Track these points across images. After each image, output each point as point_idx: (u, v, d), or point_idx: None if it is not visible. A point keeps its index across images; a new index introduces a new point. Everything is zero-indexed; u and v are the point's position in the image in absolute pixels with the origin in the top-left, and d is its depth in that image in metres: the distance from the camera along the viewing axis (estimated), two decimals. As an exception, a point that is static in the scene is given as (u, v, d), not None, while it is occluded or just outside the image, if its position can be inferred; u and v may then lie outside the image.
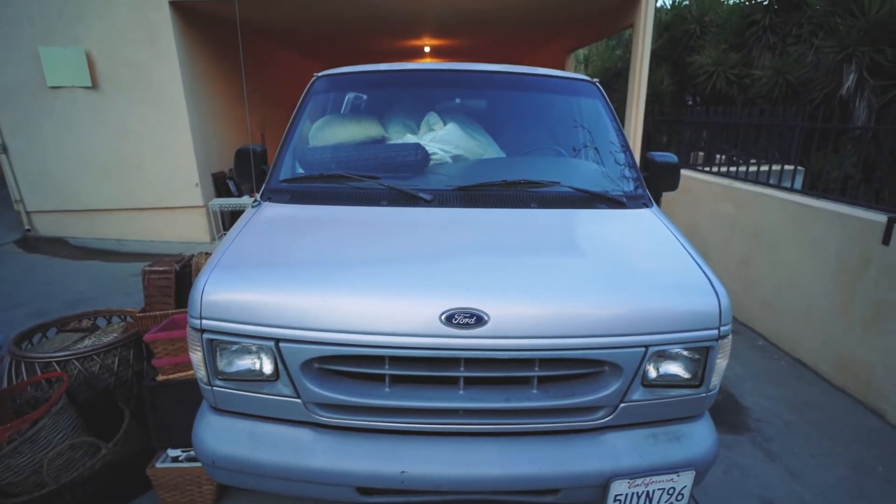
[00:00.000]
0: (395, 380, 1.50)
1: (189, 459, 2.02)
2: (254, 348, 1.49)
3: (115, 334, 2.39)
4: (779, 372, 3.22)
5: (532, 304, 1.43)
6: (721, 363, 1.56)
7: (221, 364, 1.51)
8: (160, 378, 2.02)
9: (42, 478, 1.82)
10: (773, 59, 6.53)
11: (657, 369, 1.53)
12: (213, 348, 1.50)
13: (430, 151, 2.29)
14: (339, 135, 2.44)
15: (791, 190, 3.52)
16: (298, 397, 1.49)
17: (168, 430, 2.04)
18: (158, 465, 2.00)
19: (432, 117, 2.52)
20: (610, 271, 1.58)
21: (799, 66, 6.00)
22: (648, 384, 1.53)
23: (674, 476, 1.50)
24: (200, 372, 1.55)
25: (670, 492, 1.52)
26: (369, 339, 1.41)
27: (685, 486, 1.52)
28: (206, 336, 1.48)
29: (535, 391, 1.49)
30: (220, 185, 6.46)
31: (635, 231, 1.85)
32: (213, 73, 6.49)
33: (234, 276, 1.53)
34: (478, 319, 1.39)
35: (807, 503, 2.17)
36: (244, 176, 2.36)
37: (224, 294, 1.48)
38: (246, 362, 1.51)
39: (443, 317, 1.39)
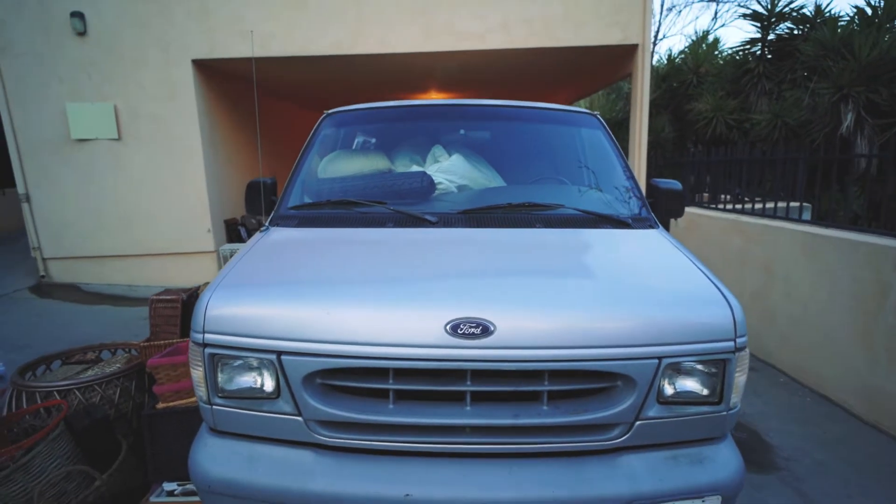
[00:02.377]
0: (400, 396, 1.45)
1: (185, 493, 1.93)
2: (255, 363, 1.45)
3: (118, 365, 2.36)
4: (804, 408, 3.06)
5: (539, 314, 1.40)
6: (740, 379, 1.49)
7: (222, 380, 1.48)
8: (160, 406, 1.97)
9: (31, 511, 1.74)
10: (770, 103, 6.72)
11: (673, 385, 1.46)
12: (215, 364, 1.47)
13: (435, 181, 2.34)
14: (347, 168, 2.50)
15: (800, 221, 3.51)
16: (300, 415, 1.44)
17: (165, 462, 1.96)
18: (153, 499, 1.91)
19: (438, 150, 2.59)
20: (619, 283, 1.55)
21: (796, 108, 6.15)
22: (665, 401, 1.46)
23: (698, 502, 1.40)
24: (200, 390, 1.51)
25: (695, 519, 1.41)
26: (373, 351, 1.37)
27: (711, 513, 1.42)
28: (207, 351, 1.45)
29: (545, 407, 1.42)
30: (232, 231, 6.59)
31: (643, 248, 1.84)
32: (228, 126, 6.80)
33: (238, 291, 1.53)
34: (484, 329, 1.36)
35: (848, 547, 2.00)
36: (254, 208, 2.41)
37: (228, 308, 1.47)
38: (247, 379, 1.48)
39: (448, 327, 1.36)
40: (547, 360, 1.37)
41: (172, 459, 1.96)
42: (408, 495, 1.36)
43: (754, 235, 3.76)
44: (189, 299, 2.37)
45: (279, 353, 1.41)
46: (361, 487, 1.39)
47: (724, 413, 1.49)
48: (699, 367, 1.46)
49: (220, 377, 1.47)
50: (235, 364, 1.47)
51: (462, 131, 2.65)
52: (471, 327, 1.36)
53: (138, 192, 6.10)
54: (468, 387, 1.40)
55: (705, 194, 5.65)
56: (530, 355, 1.36)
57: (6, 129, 5.92)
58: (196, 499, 1.90)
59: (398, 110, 2.69)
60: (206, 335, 1.45)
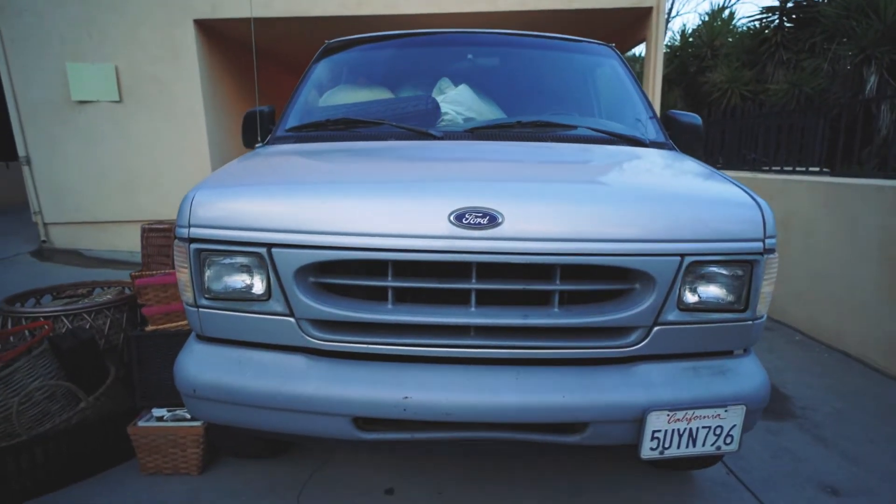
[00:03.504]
0: (400, 297, 1.35)
1: (174, 419, 1.84)
2: (244, 261, 1.35)
3: (108, 296, 2.27)
4: (821, 363, 2.94)
5: (552, 204, 1.28)
6: (767, 288, 1.38)
7: (209, 279, 1.37)
8: (150, 328, 1.88)
9: (12, 427, 1.66)
10: (787, 73, 6.51)
11: (695, 291, 1.35)
12: (201, 261, 1.36)
13: (441, 111, 2.21)
14: (347, 99, 2.38)
15: (820, 173, 3.36)
16: (291, 315, 1.34)
17: (154, 388, 1.88)
18: (141, 423, 1.82)
19: (444, 82, 2.46)
20: (638, 181, 1.44)
21: (815, 77, 5.95)
22: (686, 308, 1.34)
23: (721, 411, 1.29)
24: (187, 294, 1.42)
25: (717, 431, 1.31)
26: (370, 242, 1.26)
27: (734, 426, 1.31)
28: (193, 246, 1.35)
29: (556, 309, 1.31)
30: (234, 199, 6.49)
31: (664, 159, 1.72)
32: (230, 91, 6.69)
33: (226, 187, 1.43)
34: (491, 219, 1.24)
35: (874, 489, 1.89)
36: (252, 140, 2.30)
37: (215, 201, 1.36)
38: (236, 279, 1.37)
39: (452, 216, 1.25)
40: (559, 254, 1.25)
41: (161, 385, 1.88)
42: (406, 398, 1.26)
43: (773, 192, 3.62)
44: (182, 229, 2.27)
45: (269, 245, 1.30)
46: (356, 391, 1.29)
47: (750, 322, 1.38)
48: (723, 271, 1.34)
49: (208, 274, 1.37)
50: (224, 262, 1.37)
51: (470, 56, 2.51)
52: (477, 217, 1.25)
53: (140, 156, 6.00)
54: (473, 284, 1.29)
55: (718, 165, 5.49)
56: (541, 248, 1.25)
57: (6, 90, 5.82)
58: (185, 424, 1.81)
59: (402, 39, 2.56)
60: (192, 229, 1.35)
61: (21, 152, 5.98)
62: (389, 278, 1.31)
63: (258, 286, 1.35)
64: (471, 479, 1.86)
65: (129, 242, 6.29)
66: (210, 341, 1.45)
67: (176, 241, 1.41)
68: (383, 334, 1.33)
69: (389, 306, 1.32)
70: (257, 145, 1.98)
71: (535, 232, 1.25)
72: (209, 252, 1.35)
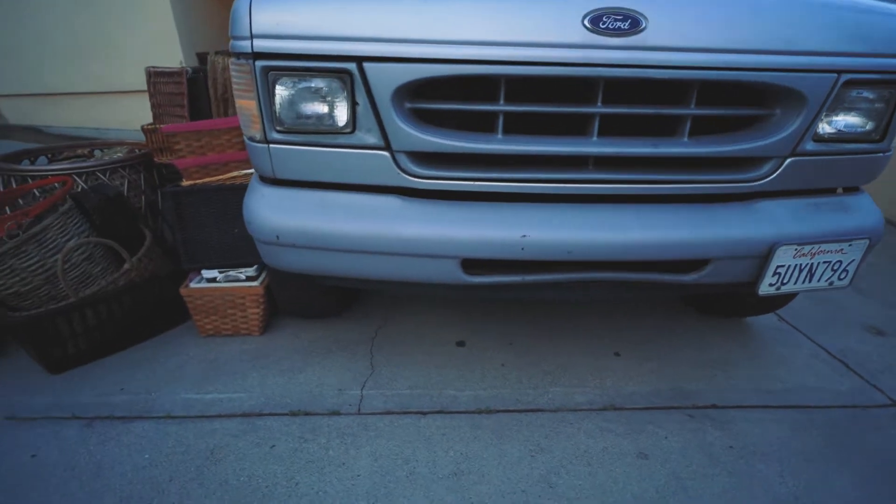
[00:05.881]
0: (511, 125, 1.16)
1: (228, 280, 1.72)
2: (323, 85, 1.12)
3: (120, 154, 2.00)
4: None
5: (704, 6, 1.07)
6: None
7: (281, 107, 1.15)
8: (185, 183, 1.66)
9: (58, 289, 1.50)
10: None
11: (834, 119, 1.21)
12: (270, 84, 1.12)
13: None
14: None
15: None
16: (387, 148, 1.15)
17: (199, 248, 1.72)
18: (193, 285, 1.69)
19: None
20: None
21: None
22: (821, 139, 1.22)
23: (845, 246, 1.24)
24: (253, 128, 1.19)
25: (835, 266, 1.27)
26: (483, 53, 1.05)
27: (853, 261, 1.27)
28: (259, 64, 1.10)
29: (686, 139, 1.17)
30: (208, 67, 5.79)
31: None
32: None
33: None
34: (633, 23, 1.03)
35: (913, 329, 1.99)
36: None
37: (283, 5, 1.08)
38: (316, 107, 1.15)
39: (586, 20, 1.03)
40: (707, 68, 1.08)
41: (208, 244, 1.72)
42: (524, 236, 1.15)
43: None
44: (196, 74, 1.94)
45: (360, 59, 1.07)
46: (466, 231, 1.16)
47: (882, 154, 1.28)
48: (871, 94, 1.20)
49: (279, 100, 1.14)
50: (300, 84, 1.13)
51: None
52: (616, 20, 1.03)
53: (87, 17, 5.14)
54: (599, 108, 1.12)
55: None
56: (685, 60, 1.07)
57: None
58: (243, 284, 1.70)
59: None
60: (256, 41, 1.09)
61: (-59, 6, 5.03)
62: (501, 102, 1.11)
63: (341, 118, 1.14)
64: (539, 330, 1.87)
65: (88, 118, 5.66)
66: (282, 184, 1.26)
67: (233, 59, 1.15)
68: (493, 169, 1.18)
69: (499, 136, 1.15)
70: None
71: (680, 40, 1.06)
72: (280, 71, 1.11)
